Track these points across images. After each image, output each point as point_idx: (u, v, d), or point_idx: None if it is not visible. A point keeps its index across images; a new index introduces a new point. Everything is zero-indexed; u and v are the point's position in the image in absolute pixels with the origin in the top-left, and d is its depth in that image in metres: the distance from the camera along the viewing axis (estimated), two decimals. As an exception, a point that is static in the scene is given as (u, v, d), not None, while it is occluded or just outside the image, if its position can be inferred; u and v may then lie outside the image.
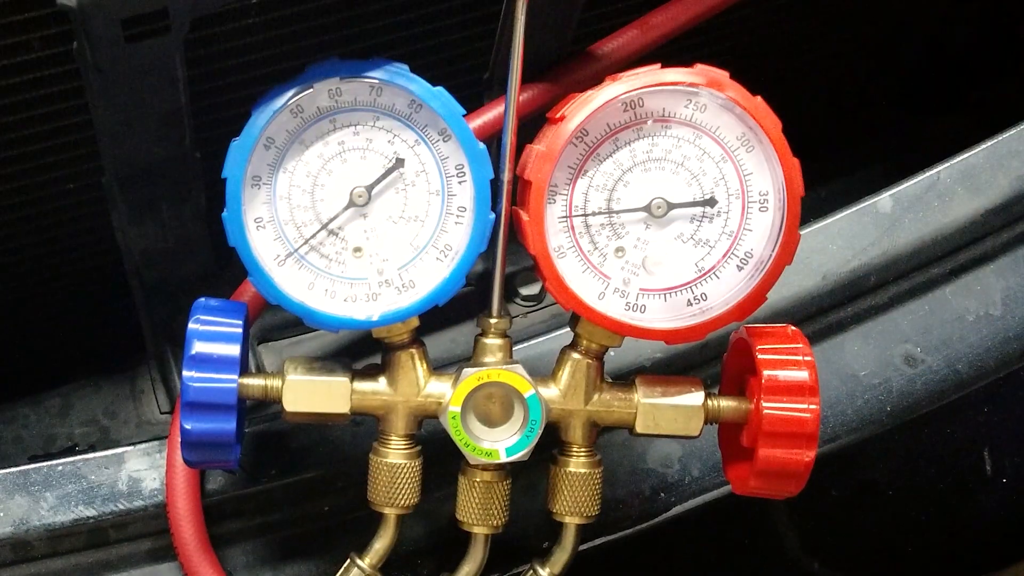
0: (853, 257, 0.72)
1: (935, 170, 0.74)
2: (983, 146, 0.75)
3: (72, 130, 0.64)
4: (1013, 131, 0.75)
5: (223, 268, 0.71)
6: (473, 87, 0.68)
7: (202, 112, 0.64)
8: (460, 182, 0.56)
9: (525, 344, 0.68)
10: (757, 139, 0.56)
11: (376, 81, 0.55)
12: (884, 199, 0.74)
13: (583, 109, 0.55)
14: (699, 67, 0.56)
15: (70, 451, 0.69)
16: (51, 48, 0.61)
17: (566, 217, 0.57)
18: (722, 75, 0.55)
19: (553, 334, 0.68)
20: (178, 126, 0.60)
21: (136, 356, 0.73)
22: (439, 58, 0.69)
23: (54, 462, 0.63)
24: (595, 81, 0.60)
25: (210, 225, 0.68)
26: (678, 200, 0.56)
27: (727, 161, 0.56)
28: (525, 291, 0.76)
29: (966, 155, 0.75)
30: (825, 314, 0.72)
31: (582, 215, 0.56)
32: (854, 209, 0.73)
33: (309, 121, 0.55)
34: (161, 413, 0.71)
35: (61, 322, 0.73)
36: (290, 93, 0.55)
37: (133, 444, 0.63)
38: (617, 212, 0.56)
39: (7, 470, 0.62)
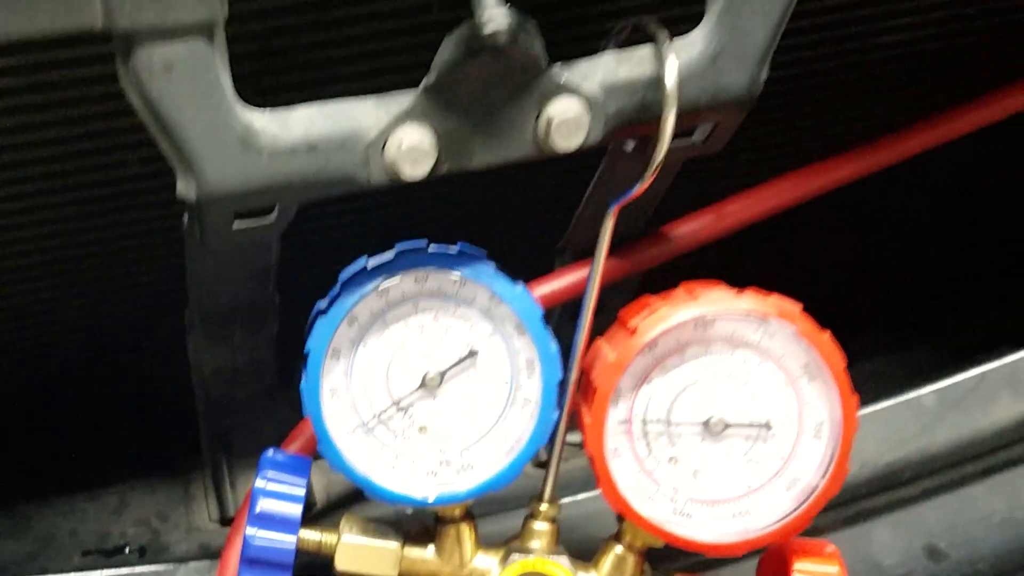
0: (891, 449, 0.74)
1: (981, 369, 0.76)
2: (1031, 351, 0.77)
3: (161, 258, 0.67)
4: (1062, 338, 0.77)
5: (285, 387, 0.74)
6: (548, 246, 0.71)
7: (284, 259, 0.67)
8: (529, 376, 0.58)
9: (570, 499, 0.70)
10: (820, 371, 0.58)
11: (460, 276, 0.57)
12: (928, 394, 0.76)
13: (656, 326, 0.57)
14: (773, 298, 0.58)
15: (120, 551, 0.71)
16: (149, 166, 0.63)
17: (626, 421, 0.59)
18: (794, 308, 0.57)
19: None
20: (265, 279, 0.62)
21: (191, 461, 0.75)
22: (517, 228, 0.71)
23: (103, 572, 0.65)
24: (663, 259, 0.62)
25: (277, 349, 0.71)
26: (735, 420, 0.59)
27: (788, 387, 0.58)
28: (572, 438, 0.78)
29: (1013, 358, 0.77)
30: (857, 501, 0.74)
31: (642, 421, 0.59)
32: (898, 401, 0.75)
33: (393, 304, 0.58)
34: (210, 521, 0.74)
35: (124, 422, 0.76)
36: (379, 279, 0.57)
37: (183, 561, 0.66)
38: (676, 423, 0.59)
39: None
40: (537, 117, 0.51)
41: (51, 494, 0.74)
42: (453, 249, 0.59)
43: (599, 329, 0.62)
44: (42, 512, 0.73)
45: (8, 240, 0.65)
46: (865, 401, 0.77)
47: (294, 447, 0.65)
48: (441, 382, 0.58)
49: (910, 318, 0.90)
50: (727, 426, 0.59)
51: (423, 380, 0.58)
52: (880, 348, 0.87)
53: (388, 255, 0.58)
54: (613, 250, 0.69)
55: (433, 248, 0.58)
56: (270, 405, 0.73)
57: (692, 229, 0.69)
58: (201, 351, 0.68)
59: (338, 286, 0.58)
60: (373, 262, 0.58)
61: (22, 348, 0.72)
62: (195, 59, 0.47)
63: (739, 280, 0.65)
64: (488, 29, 0.47)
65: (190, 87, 0.47)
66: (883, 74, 0.75)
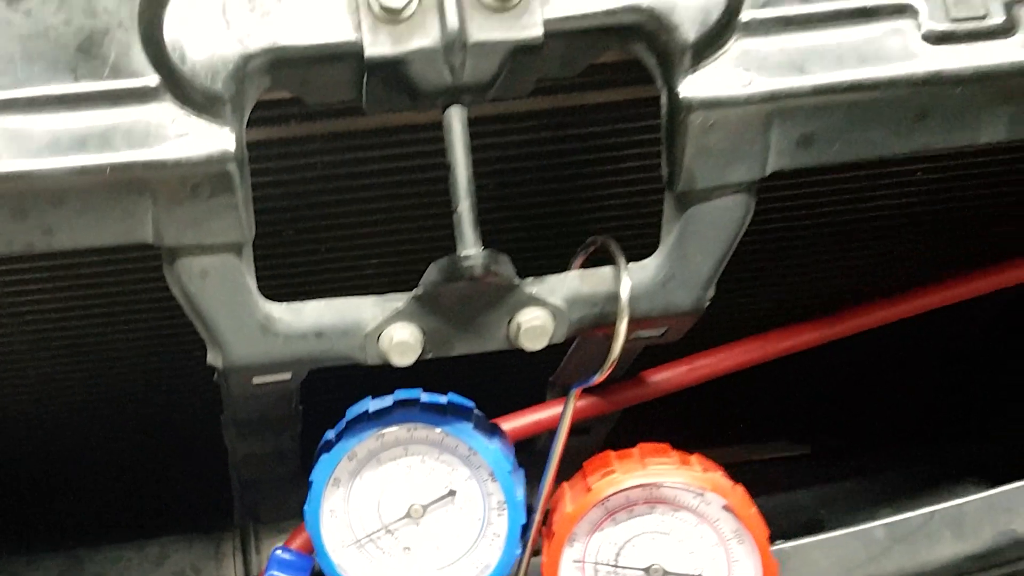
0: (840, 575, 0.83)
1: (930, 509, 0.84)
2: (980, 496, 0.84)
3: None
4: (1012, 487, 0.84)
5: (305, 471, 0.85)
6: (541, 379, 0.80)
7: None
8: (499, 515, 0.68)
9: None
10: (747, 537, 0.67)
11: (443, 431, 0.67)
12: (879, 528, 0.83)
13: (610, 488, 0.67)
14: (711, 473, 0.67)
15: (157, 600, 0.84)
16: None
17: (580, 561, 0.68)
18: (727, 483, 0.67)
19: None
20: (289, 400, 0.73)
21: (224, 523, 0.87)
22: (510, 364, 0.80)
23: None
24: (639, 400, 0.72)
25: (301, 443, 0.82)
26: (673, 569, 0.68)
27: (720, 547, 0.68)
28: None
29: (959, 501, 0.84)
30: (804, 622, 0.83)
31: (593, 562, 0.68)
32: (849, 531, 0.83)
33: (387, 446, 0.68)
34: (234, 577, 0.86)
35: (170, 486, 0.88)
36: (377, 426, 0.67)
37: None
38: (622, 567, 0.68)
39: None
40: (509, 322, 0.61)
41: (103, 541, 0.86)
42: (443, 399, 0.69)
43: (590, 445, 0.72)
44: (94, 557, 0.85)
45: (86, 331, 0.77)
46: (825, 527, 0.86)
47: (299, 541, 0.76)
48: (424, 513, 0.69)
49: (881, 444, 0.98)
50: (666, 573, 0.68)
51: (408, 510, 0.69)
52: (849, 472, 0.95)
53: (387, 401, 0.69)
54: (597, 390, 0.79)
55: (425, 398, 0.68)
56: (293, 483, 0.84)
57: (666, 376, 0.77)
58: (234, 442, 0.79)
59: (343, 423, 0.69)
60: (374, 406, 0.68)
61: (100, 425, 0.85)
62: (225, 268, 0.57)
63: (718, 410, 0.73)
64: (466, 263, 0.56)
65: (220, 288, 0.58)
66: (869, 237, 0.83)
